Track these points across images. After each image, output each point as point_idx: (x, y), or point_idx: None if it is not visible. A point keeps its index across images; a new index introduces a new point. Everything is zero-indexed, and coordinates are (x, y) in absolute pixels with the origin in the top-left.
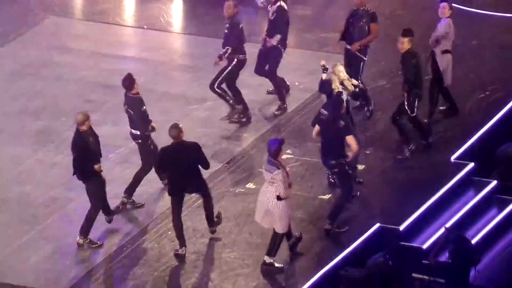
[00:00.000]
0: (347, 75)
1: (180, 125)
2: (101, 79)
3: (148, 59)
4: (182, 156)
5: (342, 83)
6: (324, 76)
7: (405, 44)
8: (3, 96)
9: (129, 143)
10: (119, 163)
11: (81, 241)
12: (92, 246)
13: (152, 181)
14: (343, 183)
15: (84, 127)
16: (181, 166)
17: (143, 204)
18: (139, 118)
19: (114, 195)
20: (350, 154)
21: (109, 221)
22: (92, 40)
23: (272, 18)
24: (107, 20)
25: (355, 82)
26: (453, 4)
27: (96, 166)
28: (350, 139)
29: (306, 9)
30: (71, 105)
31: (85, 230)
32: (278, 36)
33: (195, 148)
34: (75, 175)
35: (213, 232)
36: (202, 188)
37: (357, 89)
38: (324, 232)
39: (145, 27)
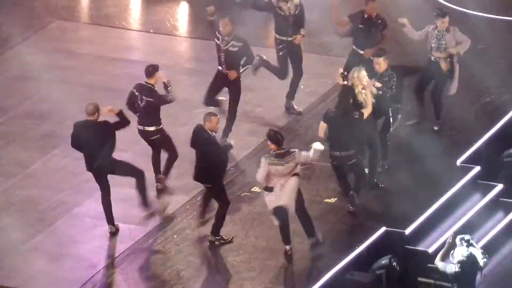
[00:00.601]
0: (368, 80)
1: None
2: (107, 83)
3: (154, 63)
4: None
5: (363, 89)
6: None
7: (382, 64)
8: (9, 100)
9: (135, 146)
10: None
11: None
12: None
13: (156, 184)
14: (359, 172)
15: (93, 118)
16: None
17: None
18: (161, 101)
19: (122, 200)
20: None
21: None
22: (98, 44)
23: (297, 13)
24: (113, 24)
25: (378, 84)
26: (458, 8)
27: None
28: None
29: (312, 13)
30: (77, 109)
31: (108, 219)
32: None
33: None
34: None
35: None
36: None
37: (380, 92)
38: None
39: (151, 31)
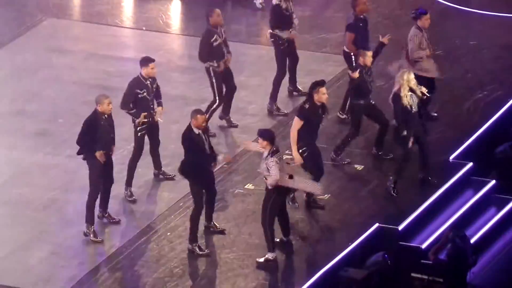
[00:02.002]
0: (417, 82)
1: None
2: (99, 80)
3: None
4: None
5: (411, 90)
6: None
7: (370, 59)
8: (1, 98)
9: (127, 144)
10: (118, 164)
11: (86, 230)
12: (93, 238)
13: (150, 182)
14: None
15: (99, 107)
16: None
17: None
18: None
19: (114, 196)
20: None
21: (101, 217)
22: (90, 42)
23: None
24: (105, 21)
25: (424, 89)
26: (451, 4)
27: (97, 153)
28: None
29: (305, 10)
30: (69, 107)
31: (88, 218)
32: None
33: None
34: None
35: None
36: None
37: (425, 97)
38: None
39: (144, 28)
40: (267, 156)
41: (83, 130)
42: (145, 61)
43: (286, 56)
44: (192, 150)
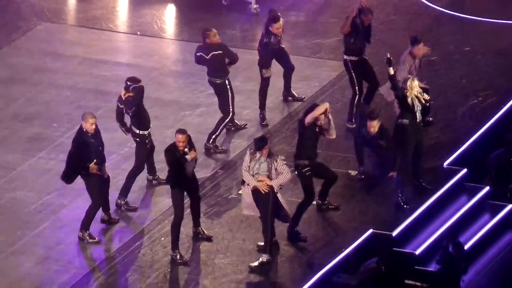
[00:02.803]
0: (421, 90)
1: None
2: (94, 85)
3: (141, 65)
4: None
5: (416, 97)
6: (390, 70)
7: (375, 126)
8: None
9: (121, 149)
10: (111, 170)
11: (80, 234)
12: (90, 240)
13: (144, 187)
14: None
15: (83, 124)
16: None
17: (136, 207)
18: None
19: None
20: None
21: (103, 221)
22: (85, 46)
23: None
24: (100, 26)
25: (426, 96)
26: (445, 10)
27: (90, 165)
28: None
29: (299, 15)
30: (63, 111)
31: (85, 224)
32: None
33: None
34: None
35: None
36: None
37: (428, 104)
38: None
39: (138, 33)
40: (271, 159)
41: (73, 151)
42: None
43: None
44: (172, 164)
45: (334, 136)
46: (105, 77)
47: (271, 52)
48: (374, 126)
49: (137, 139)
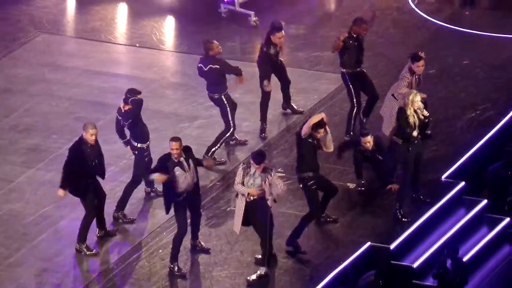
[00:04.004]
0: (422, 105)
1: None
2: (93, 96)
3: (140, 77)
4: None
5: (415, 111)
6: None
7: (370, 141)
8: None
9: (119, 161)
10: (109, 182)
11: (78, 246)
12: (87, 252)
13: (142, 199)
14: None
15: (85, 134)
16: None
17: (134, 219)
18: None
19: (105, 213)
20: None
21: (100, 236)
22: (84, 58)
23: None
24: (99, 38)
25: (426, 113)
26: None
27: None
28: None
29: (299, 28)
30: (62, 123)
31: (81, 236)
32: None
33: None
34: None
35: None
36: None
37: (427, 120)
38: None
39: (137, 45)
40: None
41: (69, 159)
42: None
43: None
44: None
45: (331, 149)
46: (104, 89)
47: (270, 63)
48: (368, 141)
49: (135, 152)
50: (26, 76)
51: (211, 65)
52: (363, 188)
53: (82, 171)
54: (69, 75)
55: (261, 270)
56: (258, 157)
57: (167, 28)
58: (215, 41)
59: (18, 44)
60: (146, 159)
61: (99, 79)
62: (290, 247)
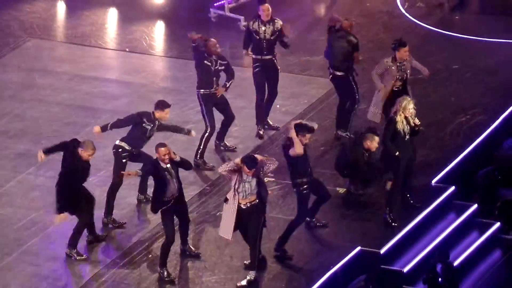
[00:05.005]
0: (414, 112)
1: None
2: (83, 101)
3: (129, 81)
4: None
5: (405, 119)
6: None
7: (376, 141)
8: None
9: (109, 166)
10: (99, 187)
11: (68, 251)
12: (77, 257)
13: (133, 204)
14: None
15: (83, 151)
16: None
17: (124, 223)
18: None
19: (96, 218)
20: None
21: (89, 241)
22: (74, 63)
23: (272, 38)
24: (89, 42)
25: (417, 121)
26: (434, 28)
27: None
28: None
29: (290, 33)
30: (52, 128)
31: (72, 242)
32: None
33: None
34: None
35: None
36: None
37: (417, 128)
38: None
39: (127, 49)
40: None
41: (67, 181)
42: (162, 105)
43: (261, 80)
44: (157, 182)
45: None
46: (94, 94)
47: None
48: (374, 142)
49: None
50: (16, 81)
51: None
52: (361, 192)
53: (75, 187)
54: (59, 80)
55: (251, 275)
56: (251, 162)
57: (157, 33)
58: (213, 39)
59: (8, 49)
60: (124, 160)
61: (89, 84)
62: (278, 252)
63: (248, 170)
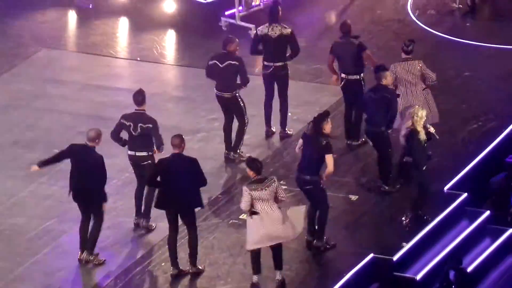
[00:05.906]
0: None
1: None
2: (94, 111)
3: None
4: (178, 168)
5: (424, 127)
6: None
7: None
8: None
9: (122, 175)
10: (111, 195)
11: (88, 256)
12: (95, 262)
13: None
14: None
15: (94, 144)
16: (175, 179)
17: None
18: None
19: (108, 227)
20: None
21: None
22: (85, 72)
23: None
24: (100, 52)
25: (432, 130)
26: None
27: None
28: (328, 158)
29: (300, 41)
30: (64, 138)
31: (94, 246)
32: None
33: (193, 162)
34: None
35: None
36: (191, 210)
37: (431, 137)
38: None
39: (138, 59)
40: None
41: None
42: None
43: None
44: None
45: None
46: (105, 103)
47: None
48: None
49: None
50: (27, 91)
51: (230, 61)
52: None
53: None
54: (71, 90)
55: (278, 276)
56: (252, 163)
57: (168, 42)
58: (237, 40)
59: (19, 59)
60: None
61: (100, 94)
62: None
63: (248, 170)
